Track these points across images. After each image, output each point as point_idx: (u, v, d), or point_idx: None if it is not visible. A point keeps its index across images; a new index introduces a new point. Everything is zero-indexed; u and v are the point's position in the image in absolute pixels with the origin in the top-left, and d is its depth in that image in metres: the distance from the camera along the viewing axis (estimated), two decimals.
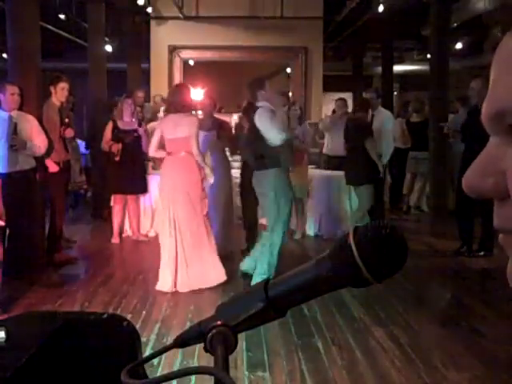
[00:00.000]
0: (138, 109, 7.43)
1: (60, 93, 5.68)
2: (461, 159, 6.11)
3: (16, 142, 4.76)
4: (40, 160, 5.27)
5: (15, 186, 4.59)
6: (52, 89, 5.70)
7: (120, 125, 6.52)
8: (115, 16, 9.74)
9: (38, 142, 5.03)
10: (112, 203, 6.76)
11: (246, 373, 3.28)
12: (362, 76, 13.80)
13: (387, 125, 6.93)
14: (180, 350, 3.35)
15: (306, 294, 0.73)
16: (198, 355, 3.39)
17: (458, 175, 6.34)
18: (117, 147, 6.42)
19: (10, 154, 4.80)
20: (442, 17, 7.77)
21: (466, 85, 5.89)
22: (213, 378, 0.65)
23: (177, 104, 4.91)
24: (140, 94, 7.63)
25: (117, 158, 6.46)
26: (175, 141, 4.89)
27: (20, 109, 4.96)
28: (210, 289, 4.92)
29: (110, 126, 6.53)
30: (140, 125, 6.66)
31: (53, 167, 5.53)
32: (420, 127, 8.18)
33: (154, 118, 7.98)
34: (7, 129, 4.82)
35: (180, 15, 9.03)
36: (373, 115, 6.98)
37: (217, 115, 6.44)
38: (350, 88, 13.78)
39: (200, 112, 6.79)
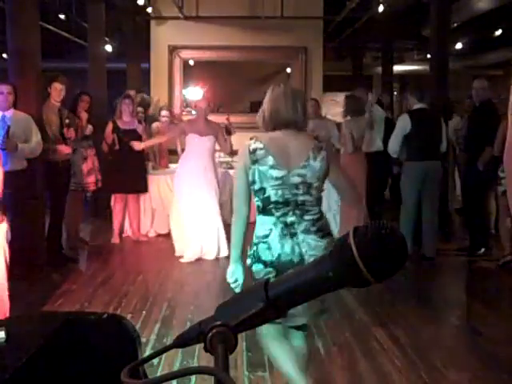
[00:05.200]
0: (140, 109, 7.41)
1: (54, 93, 5.65)
2: (465, 158, 6.11)
3: (6, 146, 4.70)
4: (41, 160, 5.26)
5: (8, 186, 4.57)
6: (49, 89, 5.68)
7: (120, 125, 6.52)
8: (115, 16, 9.71)
9: (33, 142, 5.00)
10: (112, 203, 6.75)
11: (246, 373, 3.28)
12: (362, 76, 13.77)
13: (379, 123, 7.02)
14: (180, 350, 3.35)
15: (306, 294, 0.73)
16: (198, 355, 3.39)
17: (463, 175, 6.36)
18: (112, 137, 6.44)
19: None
20: (442, 17, 7.75)
21: (465, 85, 5.89)
22: (213, 378, 0.65)
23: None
24: (131, 93, 7.58)
25: (117, 147, 6.47)
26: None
27: (15, 107, 4.93)
28: (210, 289, 4.94)
29: (110, 126, 6.52)
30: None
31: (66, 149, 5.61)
32: None
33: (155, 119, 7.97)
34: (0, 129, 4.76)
35: (180, 15, 9.01)
36: None
37: (215, 116, 6.45)
38: (350, 88, 13.73)
39: (194, 112, 6.77)
